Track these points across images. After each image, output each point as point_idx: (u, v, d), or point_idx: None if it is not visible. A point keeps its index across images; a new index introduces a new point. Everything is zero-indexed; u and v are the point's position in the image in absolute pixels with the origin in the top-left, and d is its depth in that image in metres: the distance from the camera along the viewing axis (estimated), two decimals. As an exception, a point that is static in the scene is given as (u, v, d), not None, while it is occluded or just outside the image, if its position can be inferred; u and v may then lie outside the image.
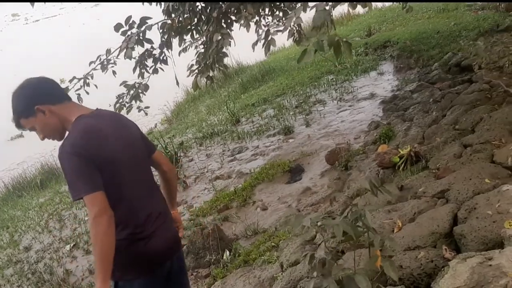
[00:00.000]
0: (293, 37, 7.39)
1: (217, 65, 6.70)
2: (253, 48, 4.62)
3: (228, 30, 5.53)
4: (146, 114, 6.42)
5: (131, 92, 6.05)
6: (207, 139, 8.04)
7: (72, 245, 5.84)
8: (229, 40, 5.38)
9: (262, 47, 4.43)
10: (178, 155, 7.01)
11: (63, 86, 5.98)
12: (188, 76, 6.87)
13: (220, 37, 5.39)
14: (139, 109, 6.19)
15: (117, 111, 6.08)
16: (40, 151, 14.21)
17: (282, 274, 3.61)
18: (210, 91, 12.27)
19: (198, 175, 6.69)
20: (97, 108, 2.49)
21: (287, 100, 8.64)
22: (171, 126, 11.42)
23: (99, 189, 2.18)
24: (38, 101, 2.32)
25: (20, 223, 7.26)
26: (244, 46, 6.40)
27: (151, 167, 2.63)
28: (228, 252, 4.52)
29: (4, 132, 17.12)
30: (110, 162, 2.28)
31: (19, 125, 2.40)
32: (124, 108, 6.12)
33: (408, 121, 5.73)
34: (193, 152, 7.72)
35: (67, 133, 2.35)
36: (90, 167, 2.19)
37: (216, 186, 6.13)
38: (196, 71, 6.63)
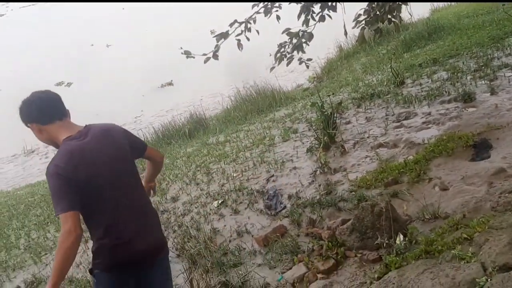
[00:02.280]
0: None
1: (389, 16, 5.83)
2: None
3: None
4: (308, 67, 5.79)
5: (294, 41, 5.43)
6: (366, 100, 7.22)
7: (220, 202, 5.49)
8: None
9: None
10: (335, 115, 6.29)
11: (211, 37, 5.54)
12: (353, 27, 6.09)
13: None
14: (301, 61, 5.55)
15: (276, 62, 5.51)
16: (189, 100, 14.47)
17: (487, 280, 2.79)
18: (366, 48, 11.28)
19: (358, 140, 5.94)
20: (86, 125, 2.77)
21: (463, 62, 7.44)
22: (321, 84, 10.71)
23: (73, 209, 2.48)
24: (30, 120, 2.72)
25: (168, 172, 7.15)
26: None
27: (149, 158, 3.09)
28: (402, 237, 3.77)
29: (155, 79, 17.80)
30: (89, 182, 2.58)
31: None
32: (285, 59, 5.52)
33: None
34: (349, 113, 6.97)
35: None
36: (68, 188, 2.51)
37: (380, 155, 5.35)
38: (364, 22, 5.83)
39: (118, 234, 2.70)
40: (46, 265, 5.38)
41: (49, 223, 6.50)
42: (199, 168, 6.79)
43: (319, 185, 5.11)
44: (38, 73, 21.18)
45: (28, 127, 2.75)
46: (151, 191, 3.37)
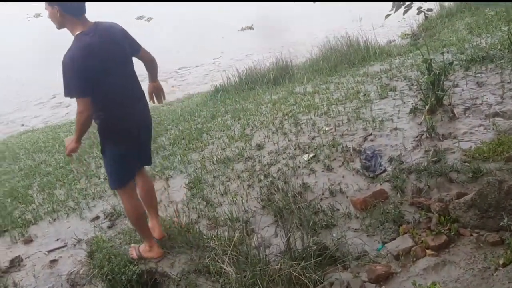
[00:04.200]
0: None
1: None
2: None
3: None
4: (426, 17, 5.19)
5: (417, -13, 4.82)
6: (476, 63, 6.52)
7: (311, 156, 5.13)
8: None
9: None
10: (445, 76, 5.68)
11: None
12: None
13: None
14: (419, 10, 4.95)
15: (394, 9, 4.93)
16: (269, 46, 14.01)
17: None
18: (472, 7, 10.32)
19: (469, 106, 5.35)
20: (94, 22, 3.40)
21: None
22: (417, 41, 9.93)
23: (85, 95, 3.25)
24: (60, 4, 3.26)
25: (252, 117, 6.83)
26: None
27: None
28: (530, 221, 3.29)
29: (236, 22, 17.40)
30: (98, 70, 3.30)
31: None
32: (402, 7, 4.93)
33: None
34: (457, 76, 6.32)
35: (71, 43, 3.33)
36: (82, 76, 3.22)
37: (498, 125, 4.77)
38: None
39: (117, 112, 3.49)
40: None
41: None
42: (286, 117, 6.43)
43: (426, 151, 4.62)
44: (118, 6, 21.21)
45: (48, 5, 3.30)
46: (161, 95, 4.02)
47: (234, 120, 6.95)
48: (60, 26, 3.39)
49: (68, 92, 3.29)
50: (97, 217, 5.04)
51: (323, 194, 4.46)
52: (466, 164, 4.22)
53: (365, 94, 6.51)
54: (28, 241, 4.86)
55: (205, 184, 5.18)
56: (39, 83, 14.06)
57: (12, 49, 18.12)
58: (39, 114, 11.83)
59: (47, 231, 4.98)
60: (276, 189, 4.68)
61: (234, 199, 4.73)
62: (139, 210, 3.85)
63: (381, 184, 4.33)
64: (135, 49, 3.64)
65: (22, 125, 11.51)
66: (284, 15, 17.58)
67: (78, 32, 3.31)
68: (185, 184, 5.28)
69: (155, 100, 4.03)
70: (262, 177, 5.01)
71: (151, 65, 3.84)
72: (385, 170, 4.55)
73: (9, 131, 11.12)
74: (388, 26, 13.02)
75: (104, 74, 3.36)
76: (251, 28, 17.01)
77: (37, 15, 28.63)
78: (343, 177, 4.64)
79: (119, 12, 20.49)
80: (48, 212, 5.31)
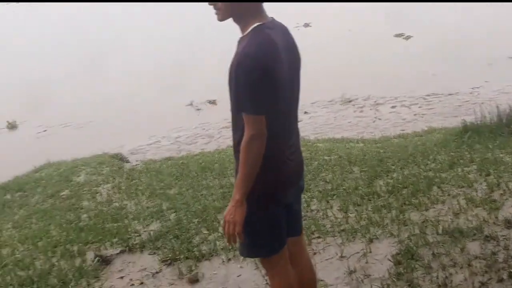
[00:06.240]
0: None
1: None
2: None
3: None
4: None
5: None
6: None
7: None
8: None
9: None
10: None
11: None
12: None
13: None
14: None
15: None
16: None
17: None
18: None
19: None
20: (272, 17, 2.34)
21: None
22: None
23: (264, 112, 2.17)
24: None
25: (507, 176, 5.04)
26: None
27: None
28: None
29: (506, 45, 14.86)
30: (279, 79, 2.20)
31: None
32: None
33: None
34: None
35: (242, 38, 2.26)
36: (265, 85, 2.13)
37: None
38: None
39: (284, 148, 2.40)
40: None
41: (334, 196, 5.27)
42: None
43: None
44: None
45: None
46: None
47: (480, 175, 5.21)
48: (237, 19, 2.27)
49: (238, 107, 2.21)
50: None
51: None
52: None
53: None
54: (193, 280, 4.14)
55: (419, 262, 3.75)
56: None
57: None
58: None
59: (216, 273, 4.20)
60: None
61: (455, 300, 3.23)
62: None
63: None
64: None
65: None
66: None
67: (256, 24, 2.21)
68: (391, 255, 3.93)
69: None
70: (505, 276, 3.37)
71: None
72: None
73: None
74: None
75: (283, 90, 2.26)
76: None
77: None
78: None
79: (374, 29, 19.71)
80: (226, 247, 4.53)
